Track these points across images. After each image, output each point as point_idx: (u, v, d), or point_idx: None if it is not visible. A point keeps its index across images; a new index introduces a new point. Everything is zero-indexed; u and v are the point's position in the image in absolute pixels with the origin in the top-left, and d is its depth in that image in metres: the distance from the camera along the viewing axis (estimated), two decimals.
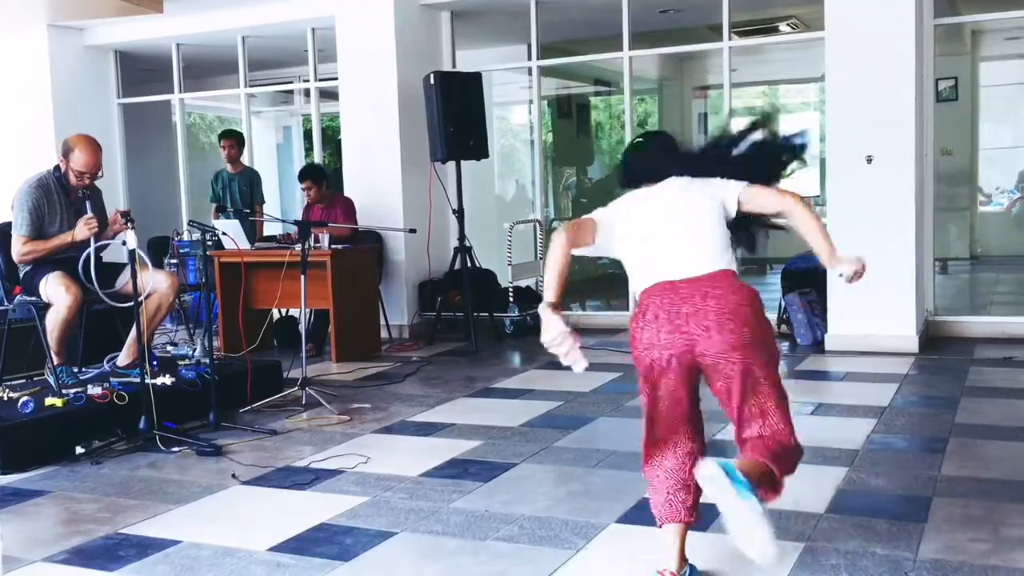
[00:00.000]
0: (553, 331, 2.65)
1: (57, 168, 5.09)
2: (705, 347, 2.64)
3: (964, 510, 3.46)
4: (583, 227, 2.87)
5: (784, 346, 7.02)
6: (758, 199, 2.82)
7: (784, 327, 7.24)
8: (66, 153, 5.03)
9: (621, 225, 2.87)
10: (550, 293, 2.70)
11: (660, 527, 2.83)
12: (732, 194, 2.82)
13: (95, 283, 4.76)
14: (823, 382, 5.99)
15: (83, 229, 4.92)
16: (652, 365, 2.71)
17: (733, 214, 2.82)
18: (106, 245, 5.02)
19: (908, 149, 6.52)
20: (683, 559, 2.83)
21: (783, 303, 7.28)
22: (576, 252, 2.82)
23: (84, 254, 4.82)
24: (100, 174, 5.11)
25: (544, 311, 2.68)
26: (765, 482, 2.63)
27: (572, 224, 2.89)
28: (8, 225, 5.12)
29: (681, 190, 2.87)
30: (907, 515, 3.41)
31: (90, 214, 4.95)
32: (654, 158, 3.02)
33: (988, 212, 11.97)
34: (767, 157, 2.95)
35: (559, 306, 2.69)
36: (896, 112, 6.51)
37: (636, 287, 2.82)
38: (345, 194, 7.82)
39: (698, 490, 2.75)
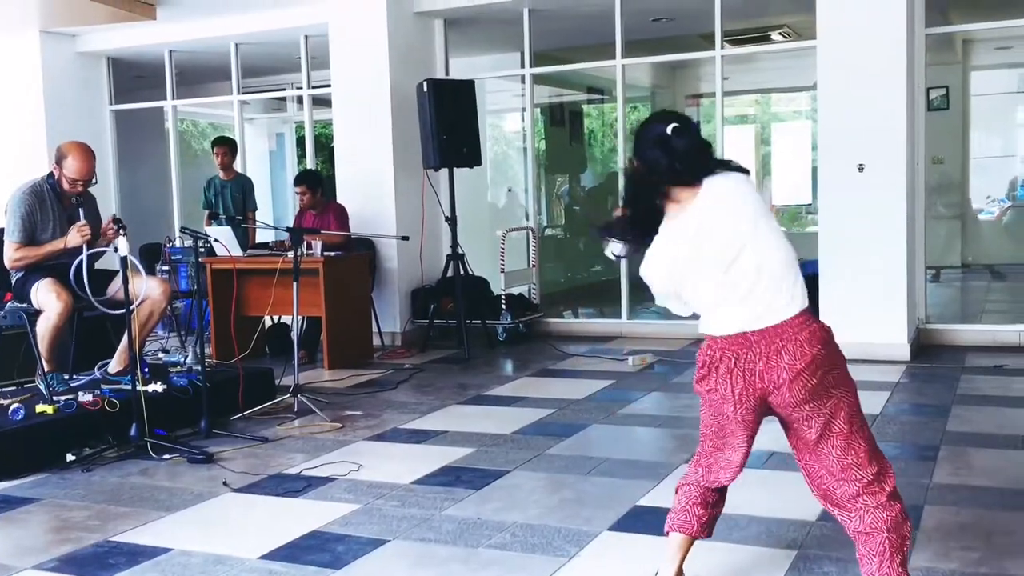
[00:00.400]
0: None
1: (51, 175, 5.08)
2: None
3: (956, 518, 3.46)
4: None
5: None
6: None
7: None
8: (59, 160, 5.02)
9: None
10: None
11: (666, 534, 2.80)
12: None
13: (87, 290, 4.75)
14: None
15: (75, 236, 4.91)
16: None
17: None
18: (100, 253, 5.01)
19: (900, 158, 6.54)
20: (680, 572, 2.81)
21: None
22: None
23: (76, 261, 4.81)
24: (94, 181, 5.11)
25: None
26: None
27: None
28: (0, 232, 5.11)
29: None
30: None
31: (83, 221, 4.94)
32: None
33: (979, 221, 12.02)
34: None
35: None
36: (888, 121, 6.53)
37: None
38: (338, 201, 7.82)
39: (717, 509, 2.75)
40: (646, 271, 2.60)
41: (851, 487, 2.56)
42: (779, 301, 2.52)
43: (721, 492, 2.78)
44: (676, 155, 2.50)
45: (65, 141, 5.19)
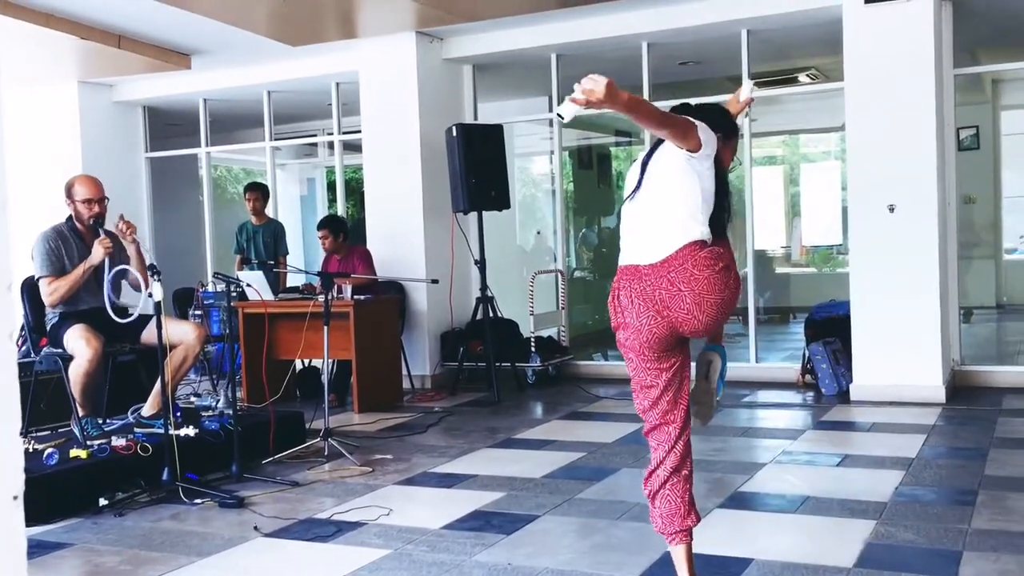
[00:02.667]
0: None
1: (69, 218, 5.20)
2: None
3: (995, 564, 3.39)
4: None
5: (809, 396, 6.96)
6: None
7: (809, 377, 7.18)
8: (69, 193, 5.20)
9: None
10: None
11: (673, 543, 3.02)
12: None
13: (108, 302, 4.84)
14: (849, 433, 5.92)
15: (99, 249, 5.03)
16: None
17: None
18: (125, 272, 5.09)
19: (931, 198, 6.51)
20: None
21: (807, 353, 7.23)
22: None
23: (104, 291, 4.94)
24: (106, 201, 5.20)
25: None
26: None
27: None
28: (33, 278, 5.20)
29: None
30: (937, 569, 3.35)
31: (103, 235, 5.04)
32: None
33: (1013, 260, 11.88)
34: None
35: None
36: (917, 161, 6.51)
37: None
38: (368, 245, 7.88)
39: (689, 483, 3.04)
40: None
41: None
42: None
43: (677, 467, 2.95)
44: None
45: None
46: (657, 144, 2.88)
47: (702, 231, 2.77)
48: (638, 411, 2.98)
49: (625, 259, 2.85)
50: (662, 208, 2.80)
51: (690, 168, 2.75)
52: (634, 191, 2.88)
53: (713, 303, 2.73)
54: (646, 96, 7.91)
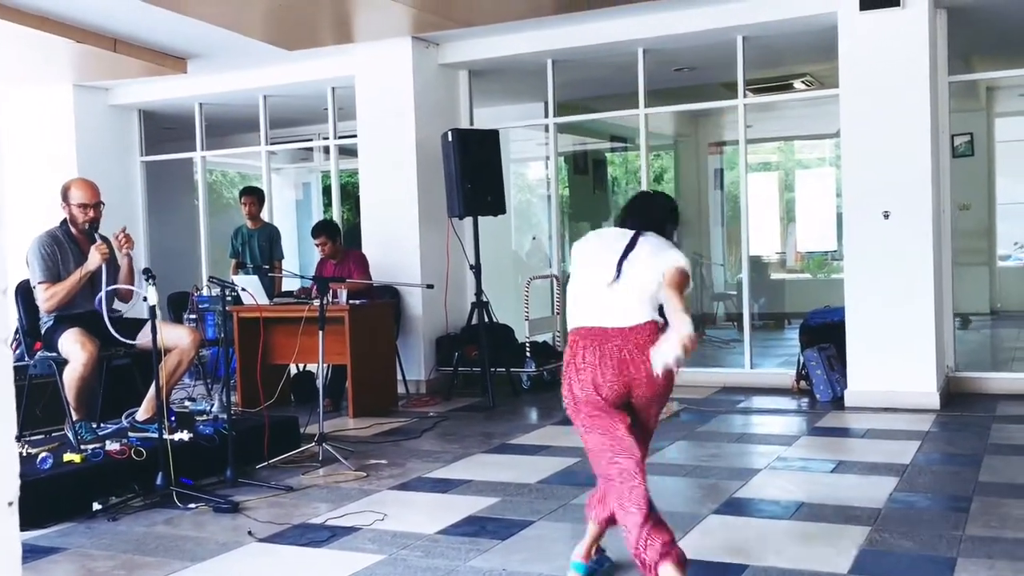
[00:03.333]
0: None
1: (64, 222, 5.18)
2: None
3: (989, 571, 3.40)
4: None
5: (804, 402, 6.97)
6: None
7: (803, 383, 7.19)
8: (65, 196, 5.17)
9: None
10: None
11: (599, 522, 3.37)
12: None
13: (103, 309, 4.84)
14: (844, 439, 5.93)
15: (95, 255, 5.01)
16: None
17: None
18: (123, 291, 5.10)
19: (925, 204, 6.52)
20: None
21: (802, 359, 7.24)
22: None
23: (97, 298, 4.93)
24: (101, 207, 5.19)
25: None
26: None
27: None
28: (27, 283, 5.19)
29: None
30: None
31: (99, 241, 5.03)
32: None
33: (1007, 267, 11.92)
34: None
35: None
36: (912, 168, 6.53)
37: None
38: (363, 249, 7.88)
39: None
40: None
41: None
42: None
43: None
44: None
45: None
46: (633, 244, 3.15)
47: (659, 318, 3.07)
48: (604, 474, 3.16)
49: (587, 323, 3.15)
50: (634, 289, 3.08)
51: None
52: (614, 279, 3.11)
53: (664, 377, 3.00)
54: (641, 101, 7.93)
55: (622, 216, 3.32)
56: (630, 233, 3.19)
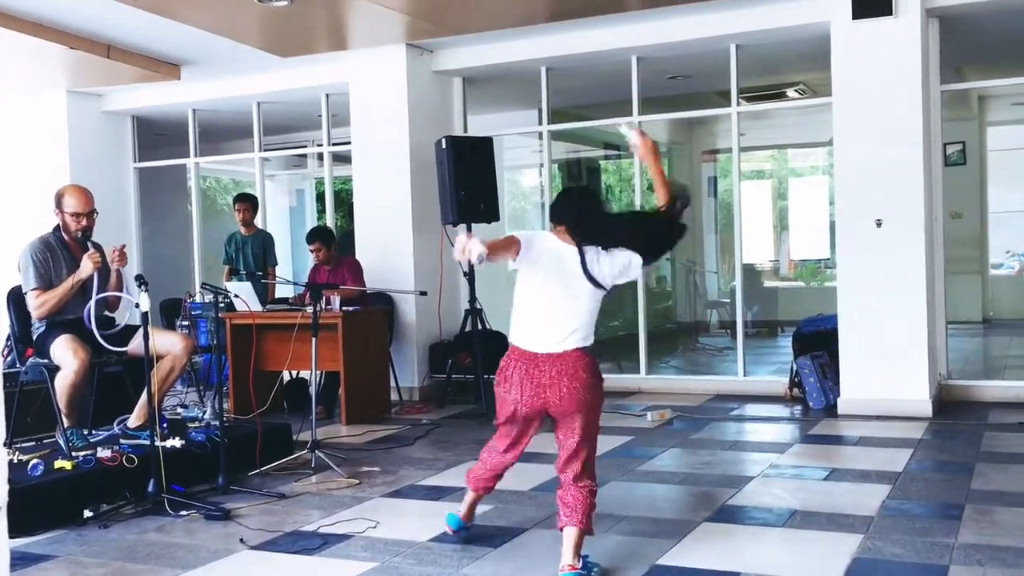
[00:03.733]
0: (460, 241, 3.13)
1: (57, 228, 5.17)
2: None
3: None
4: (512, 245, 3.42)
5: (797, 410, 6.98)
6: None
7: (796, 391, 7.20)
8: (58, 203, 5.14)
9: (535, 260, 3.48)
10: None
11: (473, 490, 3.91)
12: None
13: (93, 324, 4.81)
14: (836, 447, 5.93)
15: (87, 263, 4.99)
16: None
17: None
18: (110, 298, 5.08)
19: (918, 213, 6.55)
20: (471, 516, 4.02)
21: (795, 366, 7.25)
22: (496, 259, 3.32)
23: (86, 307, 4.90)
24: (95, 215, 5.17)
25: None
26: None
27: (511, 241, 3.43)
28: (19, 288, 5.17)
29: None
30: None
31: (92, 249, 5.01)
32: (572, 205, 3.61)
33: (1000, 275, 11.96)
34: (659, 243, 3.65)
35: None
36: (905, 176, 6.55)
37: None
38: (356, 256, 7.87)
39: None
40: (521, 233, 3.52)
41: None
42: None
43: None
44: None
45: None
46: (584, 249, 3.48)
47: (591, 341, 3.48)
48: (486, 449, 3.85)
49: (525, 345, 3.51)
50: (580, 311, 3.47)
51: (602, 294, 3.50)
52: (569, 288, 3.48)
53: (588, 402, 3.50)
54: (634, 109, 7.94)
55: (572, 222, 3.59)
56: (574, 249, 3.49)
